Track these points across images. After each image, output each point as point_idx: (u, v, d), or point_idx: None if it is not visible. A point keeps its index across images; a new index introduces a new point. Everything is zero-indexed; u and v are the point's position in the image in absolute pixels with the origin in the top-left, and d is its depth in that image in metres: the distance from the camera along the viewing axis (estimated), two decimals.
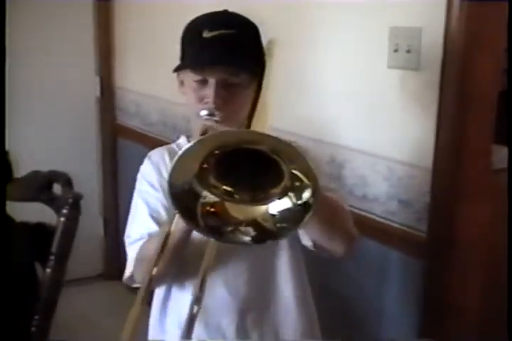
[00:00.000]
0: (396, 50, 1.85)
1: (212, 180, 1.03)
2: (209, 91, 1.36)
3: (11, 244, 1.58)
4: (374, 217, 1.98)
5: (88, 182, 3.39)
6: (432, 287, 1.86)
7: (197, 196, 1.02)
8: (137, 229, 1.48)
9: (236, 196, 1.05)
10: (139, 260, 1.42)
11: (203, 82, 1.38)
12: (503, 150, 1.98)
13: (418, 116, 1.84)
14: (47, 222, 1.80)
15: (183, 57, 1.44)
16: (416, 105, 1.85)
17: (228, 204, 1.04)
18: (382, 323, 2.00)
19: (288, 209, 1.02)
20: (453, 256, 1.83)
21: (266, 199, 1.04)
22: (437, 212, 1.82)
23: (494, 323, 1.89)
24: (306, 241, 1.38)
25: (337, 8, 2.04)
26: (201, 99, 1.39)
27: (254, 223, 1.04)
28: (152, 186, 1.50)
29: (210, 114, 1.34)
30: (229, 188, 1.05)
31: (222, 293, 1.45)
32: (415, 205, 1.87)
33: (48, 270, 1.73)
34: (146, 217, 1.47)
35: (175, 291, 1.50)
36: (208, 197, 1.03)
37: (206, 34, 1.36)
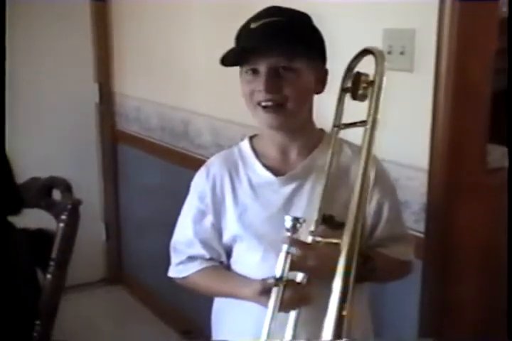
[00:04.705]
0: (390, 52, 1.85)
1: None
2: (260, 81, 1.33)
3: (11, 250, 1.60)
4: None
5: (89, 187, 3.41)
6: (431, 287, 1.87)
7: None
8: (181, 241, 1.52)
9: None
10: (192, 283, 1.51)
11: (255, 73, 1.34)
12: (498, 150, 1.99)
13: (413, 117, 1.85)
14: (46, 228, 1.81)
15: None
16: (410, 106, 1.86)
17: None
18: (381, 323, 2.01)
19: None
20: (450, 256, 1.84)
21: None
22: (434, 213, 1.83)
23: (493, 322, 1.90)
24: None
25: (330, 11, 2.05)
26: (253, 91, 1.35)
27: None
28: (201, 200, 1.48)
29: (266, 101, 1.33)
30: None
31: None
32: (412, 206, 1.88)
33: (49, 276, 1.73)
34: (190, 232, 1.49)
35: None
36: None
37: (253, 25, 1.33)
